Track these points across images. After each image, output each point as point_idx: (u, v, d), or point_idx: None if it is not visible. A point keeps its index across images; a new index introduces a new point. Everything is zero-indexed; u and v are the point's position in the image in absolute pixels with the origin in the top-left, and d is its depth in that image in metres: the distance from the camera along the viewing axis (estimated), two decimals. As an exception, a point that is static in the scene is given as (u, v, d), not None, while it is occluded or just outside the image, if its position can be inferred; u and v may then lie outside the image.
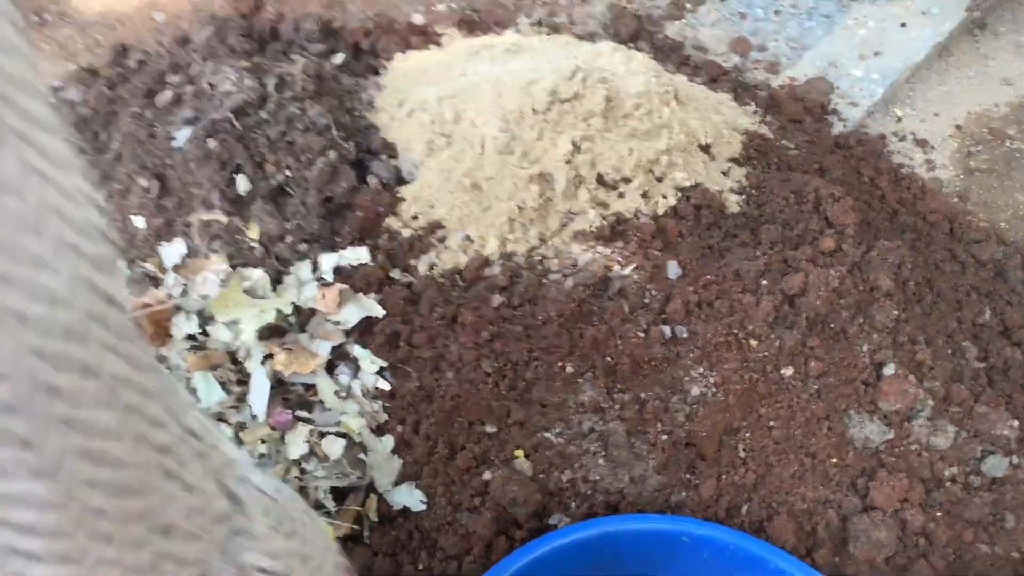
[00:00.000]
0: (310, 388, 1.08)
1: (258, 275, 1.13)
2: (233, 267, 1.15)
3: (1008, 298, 1.41)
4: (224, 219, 1.16)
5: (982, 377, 1.24)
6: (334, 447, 1.02)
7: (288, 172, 1.18)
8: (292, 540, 0.45)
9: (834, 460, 1.07)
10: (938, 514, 1.09)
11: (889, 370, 1.13)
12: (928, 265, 1.36)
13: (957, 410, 1.16)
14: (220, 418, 1.04)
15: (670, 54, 1.76)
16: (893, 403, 1.10)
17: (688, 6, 1.95)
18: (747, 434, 1.07)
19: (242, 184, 1.18)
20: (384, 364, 1.08)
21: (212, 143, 1.18)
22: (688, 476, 1.06)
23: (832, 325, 1.12)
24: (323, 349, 1.09)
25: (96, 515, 0.32)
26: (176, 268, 1.14)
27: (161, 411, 0.35)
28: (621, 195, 1.20)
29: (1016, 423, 1.16)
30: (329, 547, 0.50)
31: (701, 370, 1.07)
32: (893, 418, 1.11)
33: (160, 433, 0.35)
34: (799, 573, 0.93)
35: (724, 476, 1.06)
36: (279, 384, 1.07)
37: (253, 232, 1.17)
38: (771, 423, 1.07)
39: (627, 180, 1.20)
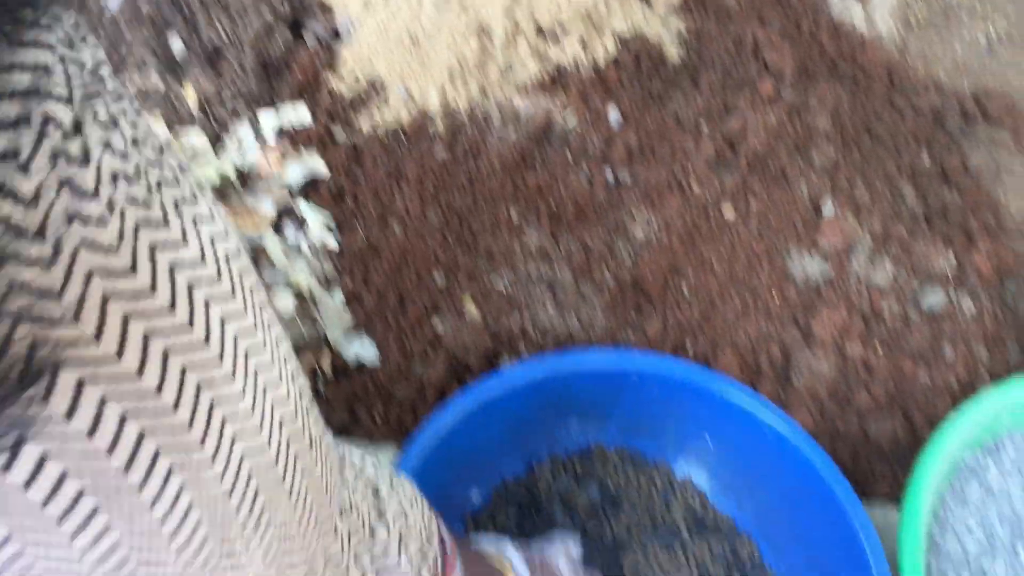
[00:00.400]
0: (258, 249, 1.08)
1: (198, 139, 1.12)
2: (172, 132, 1.13)
3: (947, 145, 1.44)
4: (160, 83, 1.14)
5: (920, 218, 1.27)
6: (285, 303, 1.03)
7: (223, 33, 1.16)
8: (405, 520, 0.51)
9: (776, 297, 1.10)
10: (878, 347, 1.12)
11: (828, 209, 1.15)
12: (867, 112, 1.37)
13: (896, 247, 1.19)
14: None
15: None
16: (832, 241, 1.13)
17: None
18: (691, 274, 1.09)
19: (177, 47, 1.15)
20: (331, 220, 1.08)
21: (144, 6, 1.15)
22: (635, 317, 1.08)
23: (771, 166, 1.14)
24: (268, 208, 1.09)
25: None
26: (113, 136, 1.12)
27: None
28: (560, 45, 1.19)
29: (953, 258, 1.20)
30: (431, 521, 0.55)
31: (644, 214, 1.08)
32: (832, 255, 1.13)
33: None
34: (747, 397, 0.96)
35: (669, 315, 1.08)
36: (225, 244, 1.07)
37: (190, 95, 1.15)
38: (713, 262, 1.09)
39: (566, 30, 1.19)
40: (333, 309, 1.05)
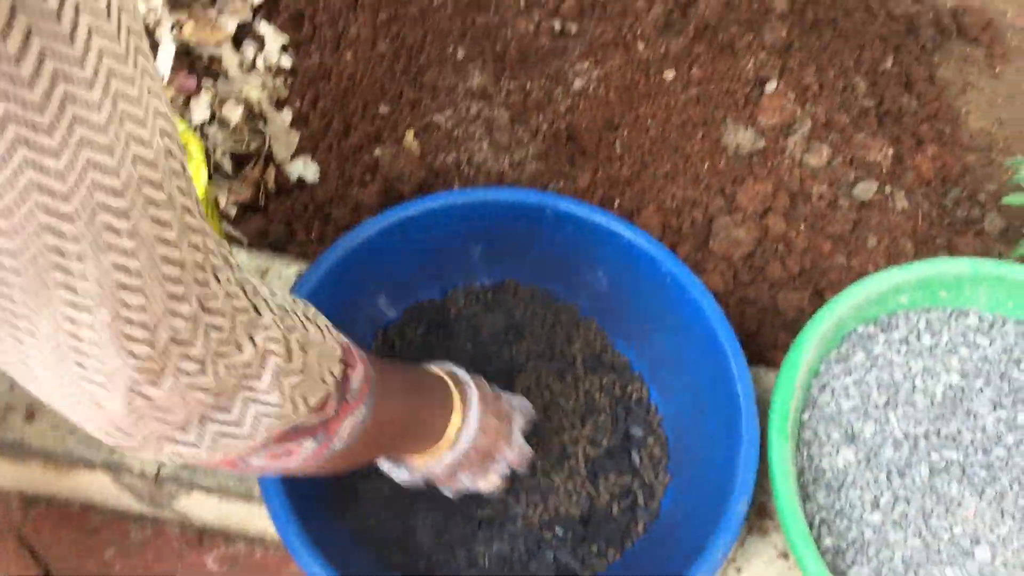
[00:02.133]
0: (215, 61, 1.13)
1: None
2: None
3: (916, 54, 1.45)
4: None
5: (871, 116, 1.30)
6: (234, 112, 1.08)
7: None
8: (294, 332, 0.51)
9: (706, 164, 1.14)
10: (801, 225, 1.17)
11: (771, 87, 1.18)
12: (835, 7, 1.39)
13: (836, 136, 1.22)
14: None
15: None
16: (771, 118, 1.16)
17: None
18: (625, 131, 1.13)
19: None
20: (287, 41, 1.13)
21: None
22: (567, 167, 1.13)
23: (720, 37, 1.17)
24: (230, 24, 1.13)
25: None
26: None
27: (204, 228, 0.43)
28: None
29: (891, 152, 1.23)
30: (327, 336, 0.56)
31: (586, 65, 1.12)
32: (769, 132, 1.17)
33: (201, 240, 0.42)
34: (648, 245, 1.01)
35: (600, 170, 1.13)
36: (187, 54, 1.12)
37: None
38: (649, 122, 1.13)
39: None
40: (281, 127, 1.10)
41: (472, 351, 1.03)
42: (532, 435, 0.96)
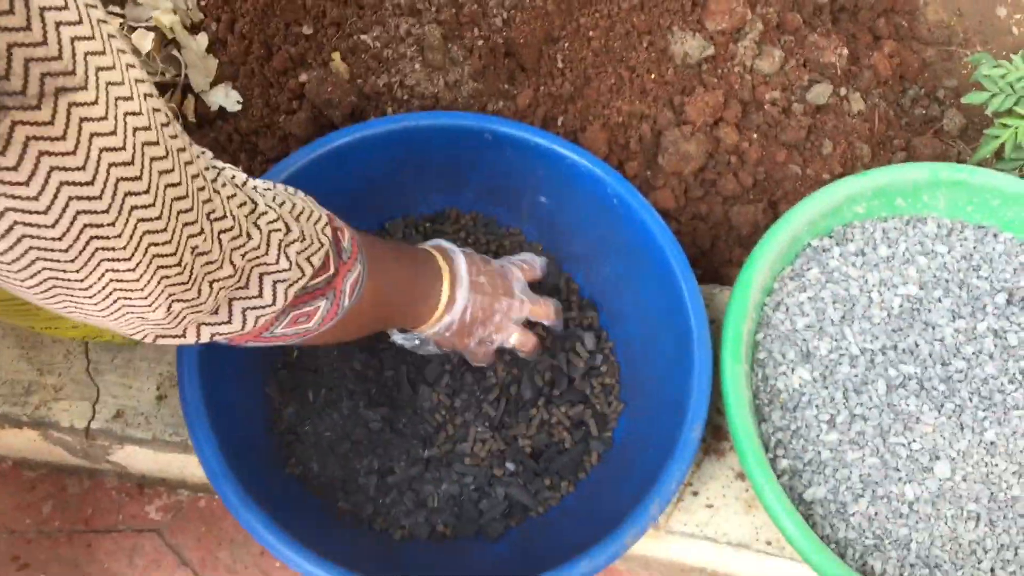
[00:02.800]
0: (123, -16, 1.05)
1: None
2: None
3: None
4: None
5: (825, 13, 1.24)
6: (144, 41, 1.01)
7: None
8: (285, 207, 0.59)
9: (653, 76, 1.08)
10: (753, 135, 1.12)
11: (719, -11, 1.11)
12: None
13: (789, 38, 1.17)
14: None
15: None
16: (719, 22, 1.10)
17: None
18: (566, 44, 1.07)
19: None
20: (197, -40, 1.05)
21: None
22: (506, 86, 1.07)
23: (660, -65, 1.10)
24: (135, -57, 1.05)
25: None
26: None
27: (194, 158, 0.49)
28: None
29: (846, 52, 1.18)
30: (313, 206, 0.63)
31: (520, -27, 1.05)
32: (718, 38, 1.11)
33: (196, 168, 0.49)
34: (591, 166, 0.96)
35: (542, 87, 1.07)
36: (89, -22, 1.04)
37: None
38: (591, 33, 1.07)
39: None
40: (197, 54, 1.03)
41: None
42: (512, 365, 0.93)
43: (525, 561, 0.86)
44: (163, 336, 0.54)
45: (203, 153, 0.53)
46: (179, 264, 0.48)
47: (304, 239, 0.60)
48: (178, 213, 0.47)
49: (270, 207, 0.57)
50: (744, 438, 0.86)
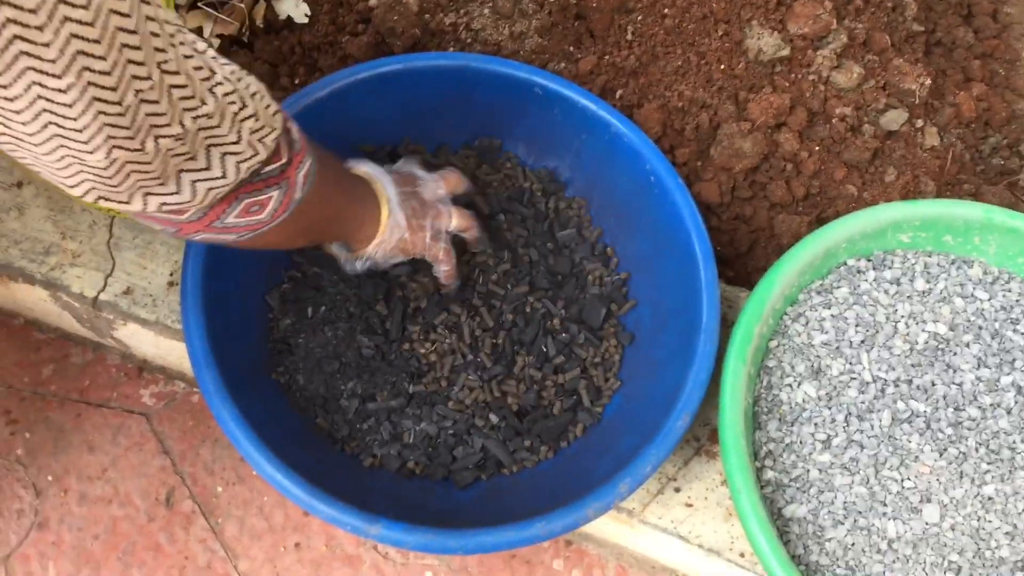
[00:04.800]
0: None
1: None
2: None
3: (984, -15, 1.33)
4: None
5: (916, 39, 1.20)
6: (226, -61, 1.02)
7: None
8: (241, 84, 0.57)
9: (722, 66, 1.06)
10: (815, 147, 1.09)
11: (808, -8, 1.08)
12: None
13: (873, 57, 1.13)
14: None
15: None
16: (801, 26, 1.07)
17: None
18: (639, 17, 1.05)
19: None
20: None
21: None
22: (570, 48, 1.06)
23: (758, -72, 1.07)
24: None
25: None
26: None
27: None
28: None
29: (929, 83, 1.13)
30: (266, 94, 0.60)
31: (606, -62, 1.04)
32: (797, 41, 1.08)
33: (154, 11, 0.47)
34: (632, 137, 0.94)
35: (606, 56, 1.05)
36: None
37: None
38: (666, 11, 1.04)
39: None
40: (275, -39, 1.04)
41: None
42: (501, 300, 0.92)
43: (485, 513, 0.85)
44: (107, 199, 0.53)
45: (175, 18, 0.51)
46: (120, 104, 0.46)
47: (259, 119, 0.58)
48: (122, 46, 0.44)
49: (227, 79, 0.55)
50: (732, 440, 0.83)
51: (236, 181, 0.58)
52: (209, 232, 0.62)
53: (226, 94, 0.54)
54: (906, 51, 1.16)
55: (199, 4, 1.01)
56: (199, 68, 0.52)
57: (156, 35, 0.47)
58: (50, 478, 0.99)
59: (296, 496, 0.75)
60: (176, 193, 0.55)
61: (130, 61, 0.45)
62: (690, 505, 0.94)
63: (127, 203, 0.54)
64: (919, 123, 1.14)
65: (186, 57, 0.51)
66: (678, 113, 1.05)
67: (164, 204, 0.55)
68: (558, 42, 1.04)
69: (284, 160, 0.62)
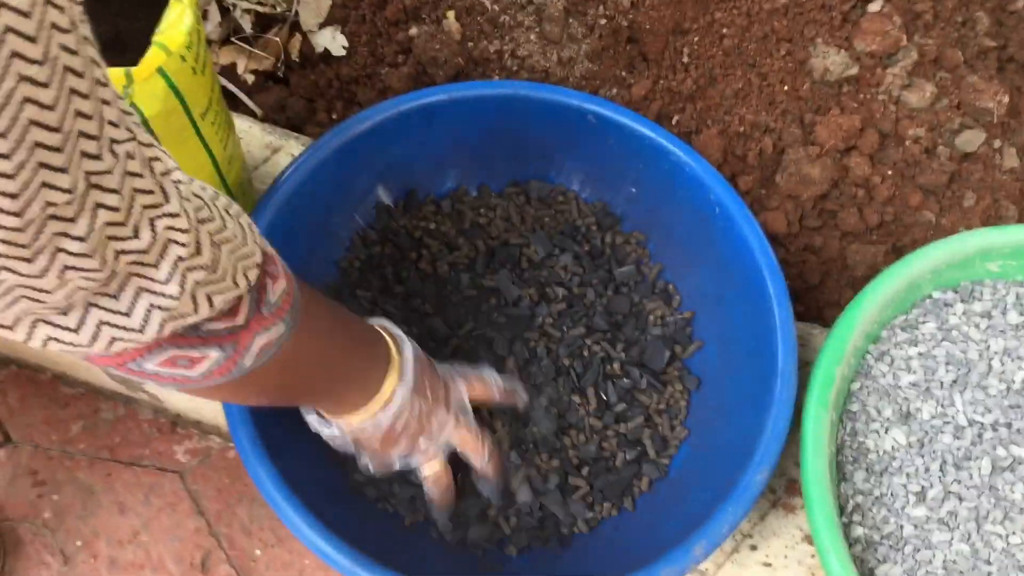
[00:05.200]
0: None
1: None
2: None
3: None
4: None
5: (989, 55, 1.12)
6: (260, -28, 0.98)
7: None
8: (207, 224, 0.46)
9: (785, 87, 0.99)
10: (888, 171, 1.01)
11: (875, 6, 1.01)
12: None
13: (945, 75, 1.05)
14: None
15: None
16: (869, 43, 1.00)
17: None
18: (695, 38, 0.99)
19: None
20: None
21: None
22: (623, 73, 0.99)
23: (820, -60, 1.01)
24: None
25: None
26: None
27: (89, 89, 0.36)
28: None
29: (1007, 101, 1.06)
30: (248, 237, 0.50)
31: (658, -45, 0.98)
32: (865, 59, 1.01)
33: (85, 104, 0.35)
34: (695, 166, 0.87)
35: (662, 80, 0.99)
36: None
37: None
38: (724, 31, 0.98)
39: None
40: (311, -8, 0.99)
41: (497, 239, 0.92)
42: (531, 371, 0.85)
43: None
44: None
45: (126, 113, 0.40)
46: (18, 212, 0.33)
47: (215, 271, 0.46)
48: (35, 144, 0.33)
49: (184, 212, 0.43)
50: (817, 494, 0.76)
51: (159, 338, 0.45)
52: (122, 370, 0.48)
53: (174, 230, 0.42)
54: (979, 68, 1.08)
55: (232, 39, 0.96)
56: (145, 191, 0.40)
57: (89, 136, 0.36)
58: (79, 543, 0.93)
59: (341, 566, 0.68)
60: (73, 332, 0.42)
61: (43, 164, 0.34)
62: (768, 564, 0.86)
63: (10, 331, 0.41)
64: (997, 143, 1.06)
65: (128, 156, 0.39)
66: (739, 139, 0.98)
67: (53, 339, 0.42)
68: (609, 67, 0.98)
69: (238, 322, 0.50)
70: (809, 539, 0.87)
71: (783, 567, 0.85)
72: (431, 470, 0.77)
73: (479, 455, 0.77)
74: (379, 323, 0.72)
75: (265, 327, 0.52)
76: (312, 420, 0.72)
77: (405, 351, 0.70)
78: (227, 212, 0.48)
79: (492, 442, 0.78)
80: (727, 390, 0.86)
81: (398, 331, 0.72)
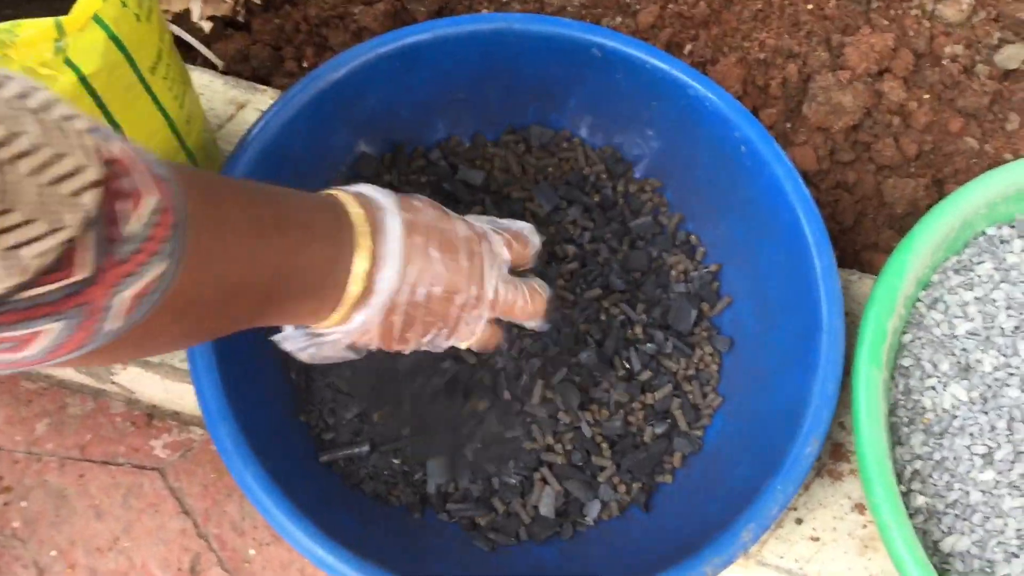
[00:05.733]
0: None
1: None
2: None
3: None
4: None
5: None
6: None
7: None
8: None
9: (810, 6, 0.89)
10: (924, 95, 0.91)
11: (905, -90, 0.91)
12: None
13: (982, -16, 0.95)
14: None
15: None
16: (900, -49, 0.89)
17: None
18: (707, -45, 0.88)
19: None
20: None
21: None
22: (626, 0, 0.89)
23: None
24: None
25: None
26: None
27: None
28: None
29: (1052, 11, 0.95)
30: (72, 143, 0.33)
31: None
32: (895, -30, 0.90)
33: None
34: (718, 101, 0.77)
35: (670, 4, 0.88)
36: None
37: None
38: (739, -54, 0.87)
39: None
40: (270, -77, 0.88)
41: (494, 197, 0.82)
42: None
43: (570, 574, 0.69)
44: None
45: None
46: None
47: (13, 212, 0.30)
48: None
49: None
50: (873, 462, 0.67)
51: None
52: None
53: None
54: (1018, -26, 0.98)
55: (184, -18, 0.85)
56: None
57: None
58: (53, 553, 0.85)
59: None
60: None
61: None
62: (816, 539, 0.77)
63: None
64: (1039, 58, 0.96)
65: None
66: (760, 66, 0.88)
67: None
68: (611, -7, 0.87)
69: (81, 276, 0.34)
70: (859, 507, 0.78)
71: (832, 541, 0.77)
72: (479, 341, 0.61)
73: (535, 315, 0.62)
74: (350, 190, 0.55)
75: (129, 273, 0.36)
76: (286, 344, 0.57)
77: (386, 224, 0.53)
78: (36, 113, 0.32)
79: (546, 291, 0.63)
80: (764, 351, 0.77)
81: (379, 195, 0.55)
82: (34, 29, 0.54)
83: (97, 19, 0.58)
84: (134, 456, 0.88)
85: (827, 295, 0.71)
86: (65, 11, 0.57)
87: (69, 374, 0.87)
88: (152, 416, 0.90)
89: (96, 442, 0.88)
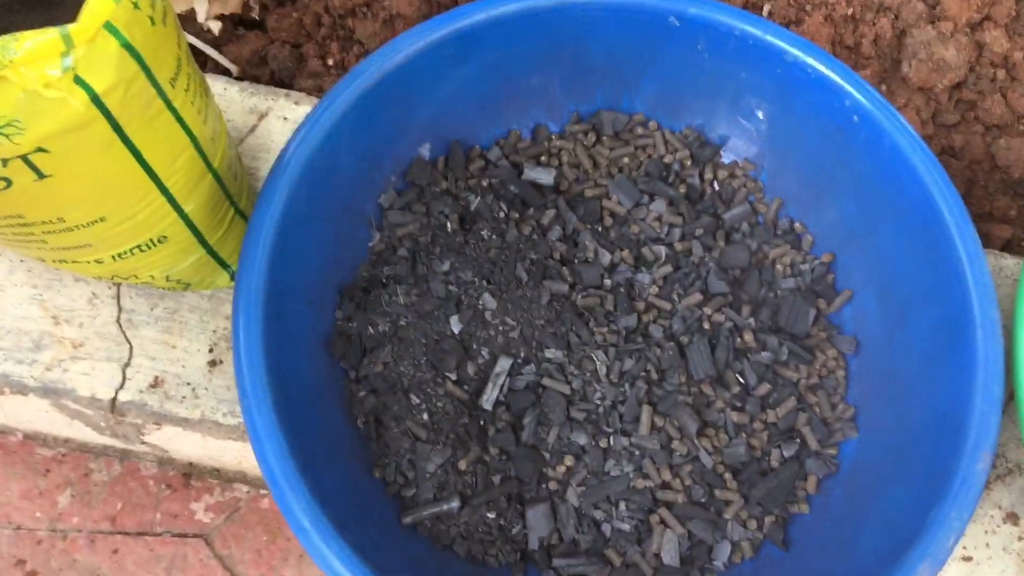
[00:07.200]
0: None
1: None
2: None
3: None
4: None
5: None
6: None
7: None
8: None
9: (899, -49, 0.78)
10: (1028, 43, 0.81)
11: None
12: None
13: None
14: None
15: None
16: None
17: None
18: (783, -99, 0.77)
19: None
20: None
21: None
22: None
23: None
24: None
25: None
26: None
27: None
28: None
29: None
30: None
31: None
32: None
33: None
34: (822, 68, 0.66)
35: (744, -39, 0.78)
36: None
37: None
38: None
39: None
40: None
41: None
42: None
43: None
44: None
45: None
46: None
47: None
48: None
49: None
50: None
51: None
52: None
53: None
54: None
55: (185, -23, 0.73)
56: None
57: None
58: (92, 643, 0.74)
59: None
60: None
61: None
62: (969, 558, 0.68)
63: None
64: None
65: None
66: (849, 23, 0.77)
67: None
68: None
69: None
70: (1011, 518, 0.69)
71: (987, 559, 0.68)
72: None
73: None
74: None
75: None
76: None
77: None
78: None
79: None
80: (897, 350, 0.67)
81: None
82: (36, 42, 0.43)
83: (109, 26, 0.47)
84: (173, 523, 0.77)
85: (976, 283, 0.61)
86: (64, 18, 0.46)
87: (90, 435, 0.76)
88: (190, 475, 0.79)
89: (128, 511, 0.78)
